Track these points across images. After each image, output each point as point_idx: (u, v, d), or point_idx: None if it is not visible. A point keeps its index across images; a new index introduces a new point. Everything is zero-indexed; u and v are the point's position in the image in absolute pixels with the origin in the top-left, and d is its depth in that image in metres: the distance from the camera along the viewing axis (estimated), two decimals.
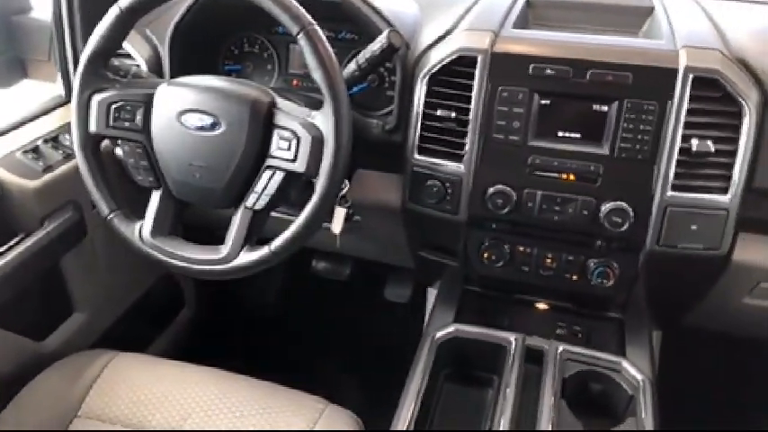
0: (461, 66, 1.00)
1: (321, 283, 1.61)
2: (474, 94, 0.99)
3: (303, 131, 0.85)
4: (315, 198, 0.86)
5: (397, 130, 1.08)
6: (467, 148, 1.01)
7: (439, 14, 1.13)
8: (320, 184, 0.85)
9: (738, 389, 1.60)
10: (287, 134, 0.86)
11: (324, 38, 0.85)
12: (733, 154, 0.93)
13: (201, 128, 0.89)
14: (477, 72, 0.98)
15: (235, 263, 0.91)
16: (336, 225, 1.05)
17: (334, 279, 1.60)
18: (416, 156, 1.05)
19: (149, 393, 1.00)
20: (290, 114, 0.87)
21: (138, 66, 1.13)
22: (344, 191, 1.03)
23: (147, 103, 0.93)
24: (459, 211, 1.04)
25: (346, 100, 0.85)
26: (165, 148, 0.93)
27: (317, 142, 0.85)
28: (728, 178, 0.94)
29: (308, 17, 0.85)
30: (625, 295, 1.09)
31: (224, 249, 0.91)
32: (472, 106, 0.99)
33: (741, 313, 1.13)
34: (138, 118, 0.94)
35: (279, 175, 0.88)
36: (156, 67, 1.17)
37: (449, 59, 1.00)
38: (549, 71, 0.96)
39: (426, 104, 1.02)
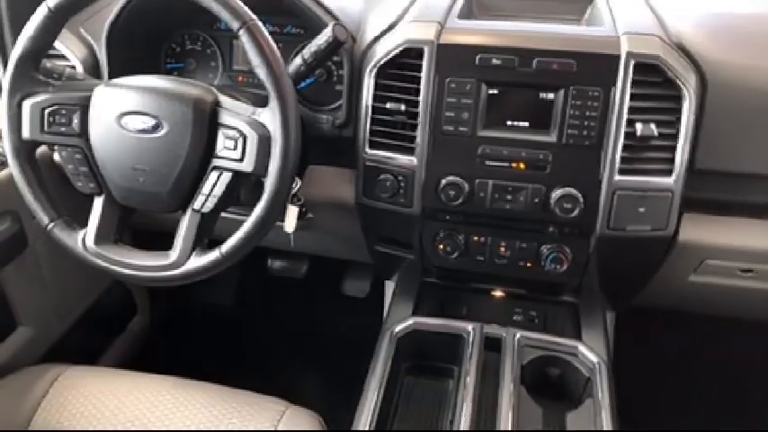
0: (408, 58, 0.99)
1: (278, 281, 1.60)
2: (422, 86, 0.98)
3: (249, 130, 0.83)
4: (265, 198, 0.84)
5: (348, 125, 1.07)
6: (418, 140, 1.01)
7: (384, 6, 1.12)
8: (270, 183, 0.83)
9: (690, 363, 1.66)
10: (232, 133, 0.84)
11: (266, 33, 0.83)
12: (675, 137, 0.95)
13: (143, 130, 0.86)
14: (424, 64, 0.98)
15: (184, 268, 0.88)
16: (289, 224, 1.04)
17: (292, 277, 1.58)
18: (368, 150, 1.04)
19: (102, 407, 0.97)
20: (234, 113, 0.85)
21: (72, 67, 1.09)
22: (296, 188, 1.01)
23: (84, 106, 0.89)
24: (412, 204, 1.04)
25: (293, 96, 0.84)
26: (105, 152, 0.89)
27: (265, 140, 0.83)
28: (672, 161, 0.96)
29: (249, 12, 0.83)
30: (578, 279, 1.11)
31: (173, 254, 0.89)
32: (421, 98, 0.99)
33: (688, 290, 1.17)
34: (75, 122, 0.90)
35: (226, 176, 0.85)
36: (92, 67, 1.13)
37: (395, 52, 0.99)
38: (495, 61, 0.97)
39: (375, 98, 1.02)
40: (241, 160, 0.84)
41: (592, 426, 0.89)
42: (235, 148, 0.84)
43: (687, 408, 1.57)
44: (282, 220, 1.04)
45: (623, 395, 1.00)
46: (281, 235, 1.07)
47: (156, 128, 0.86)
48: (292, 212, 1.03)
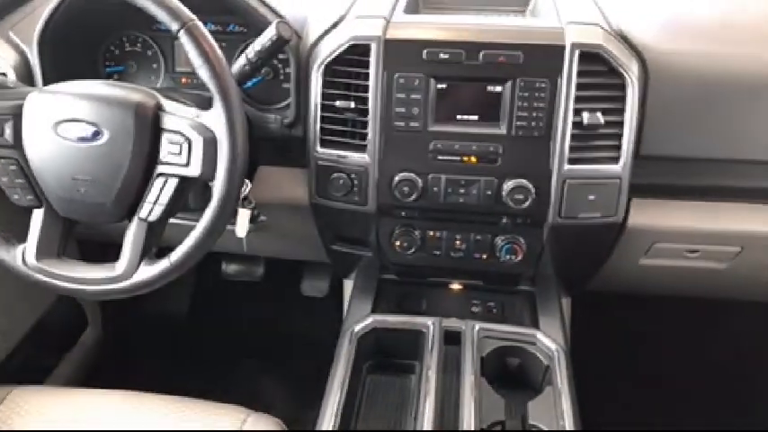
0: (355, 54, 0.98)
1: (234, 285, 1.56)
2: (371, 82, 0.98)
3: (194, 133, 0.80)
4: (213, 203, 0.82)
5: (297, 124, 1.05)
6: (369, 137, 1.00)
7: (329, 2, 1.11)
8: (218, 187, 0.81)
9: (644, 343, 1.71)
10: (177, 138, 0.81)
11: (207, 33, 0.80)
12: (621, 125, 0.97)
13: (82, 138, 0.83)
14: (371, 60, 0.97)
15: (133, 279, 0.85)
16: (241, 228, 1.01)
17: (248, 280, 1.55)
18: (319, 149, 1.02)
19: (53, 427, 0.93)
20: (178, 116, 0.82)
21: (3, 74, 1.03)
22: (246, 191, 0.99)
23: (17, 114, 0.85)
24: (367, 201, 1.03)
25: (237, 96, 0.81)
26: (42, 163, 0.85)
27: (210, 143, 0.80)
28: (619, 148, 0.98)
29: (188, 12, 0.80)
30: (533, 268, 1.12)
31: (120, 266, 0.85)
32: (370, 95, 0.98)
33: (639, 273, 1.20)
34: (8, 132, 0.85)
35: (172, 182, 0.83)
36: (25, 74, 1.07)
37: (342, 49, 0.98)
38: (442, 55, 0.96)
39: (324, 96, 1.00)
40: (187, 165, 0.81)
41: (553, 412, 0.90)
42: (180, 152, 0.81)
43: (644, 386, 1.62)
44: (234, 224, 1.02)
45: (582, 379, 1.02)
46: (234, 239, 1.05)
47: (95, 136, 0.82)
48: (244, 216, 1.01)
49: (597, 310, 1.39)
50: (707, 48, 1.00)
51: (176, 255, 0.84)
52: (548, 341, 1.01)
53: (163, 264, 0.84)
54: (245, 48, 0.95)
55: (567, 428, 0.87)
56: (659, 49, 0.99)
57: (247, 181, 0.98)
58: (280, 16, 0.99)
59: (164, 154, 0.82)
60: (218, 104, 0.80)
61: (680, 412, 1.55)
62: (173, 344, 1.71)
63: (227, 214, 0.83)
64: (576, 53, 0.94)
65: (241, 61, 0.94)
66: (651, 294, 1.33)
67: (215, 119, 0.81)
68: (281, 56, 1.09)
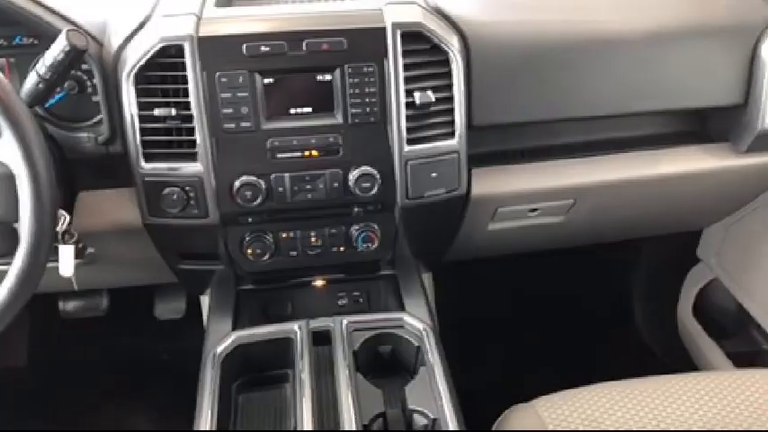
0: (168, 57, 0.90)
1: (78, 324, 1.41)
2: (190, 85, 0.90)
3: None
4: (23, 247, 0.71)
5: (114, 140, 0.95)
6: (199, 144, 0.93)
7: (130, 2, 1.00)
8: (24, 229, 0.70)
9: (504, 301, 1.81)
10: None
11: None
12: (451, 100, 0.99)
13: None
14: (187, 61, 0.89)
15: None
16: (66, 267, 0.89)
17: (93, 316, 1.40)
18: (144, 164, 0.93)
19: None
20: None
21: None
22: (65, 224, 0.87)
23: None
24: (208, 213, 0.96)
25: (30, 121, 0.71)
26: None
27: (6, 179, 0.69)
28: (452, 123, 1.00)
29: None
30: (391, 252, 1.12)
31: None
32: (192, 99, 0.91)
33: (489, 238, 1.25)
34: None
35: None
36: None
37: (151, 53, 0.89)
38: (264, 48, 0.91)
39: (140, 105, 0.91)
40: None
41: (430, 392, 0.91)
42: None
43: (510, 342, 1.72)
44: (57, 262, 0.90)
45: (454, 351, 1.05)
46: (61, 278, 0.93)
47: None
48: (66, 253, 0.89)
49: (455, 278, 1.44)
50: (521, 16, 1.05)
51: None
52: (415, 322, 1.01)
53: None
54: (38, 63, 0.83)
55: (444, 404, 0.88)
56: (476, 20, 1.02)
57: (64, 213, 0.86)
58: (71, 23, 0.87)
59: None
60: (7, 133, 0.69)
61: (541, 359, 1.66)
62: (17, 400, 1.50)
63: (40, 258, 0.72)
64: (398, 33, 0.94)
65: (32, 78, 0.82)
66: (502, 255, 1.40)
67: (8, 150, 0.70)
68: (84, 66, 0.97)
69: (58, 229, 0.84)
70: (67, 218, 0.87)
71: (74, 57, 0.81)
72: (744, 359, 1.44)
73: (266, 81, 0.93)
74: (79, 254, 0.91)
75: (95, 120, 0.99)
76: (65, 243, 0.88)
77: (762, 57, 1.09)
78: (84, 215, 0.95)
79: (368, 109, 0.96)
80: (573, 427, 0.89)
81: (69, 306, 1.36)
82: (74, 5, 0.93)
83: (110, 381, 1.54)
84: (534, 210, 1.19)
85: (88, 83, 1.00)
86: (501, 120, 1.08)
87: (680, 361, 1.60)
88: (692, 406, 0.91)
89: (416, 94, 0.96)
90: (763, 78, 1.09)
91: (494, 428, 0.97)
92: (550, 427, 0.90)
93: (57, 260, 0.90)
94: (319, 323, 1.01)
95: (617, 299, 1.82)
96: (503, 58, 1.03)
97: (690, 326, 1.61)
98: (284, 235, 1.04)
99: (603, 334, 1.74)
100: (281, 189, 0.97)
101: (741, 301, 1.46)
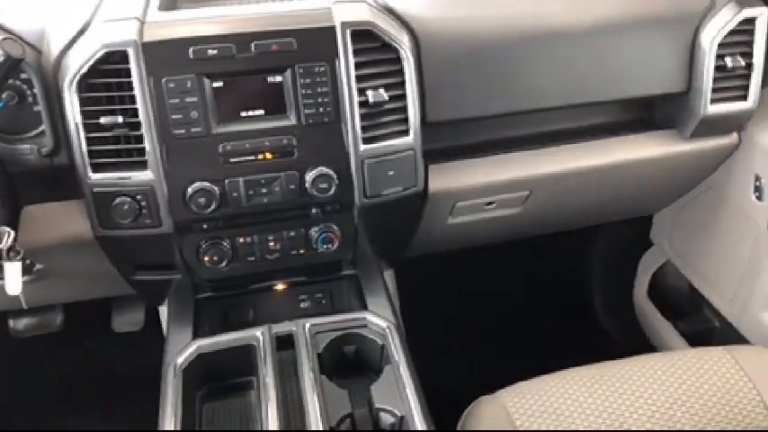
0: (111, 63, 0.87)
1: (30, 342, 1.35)
2: (136, 91, 0.88)
3: None
4: None
5: (59, 151, 0.92)
6: (148, 151, 0.90)
7: (70, 5, 0.97)
8: None
9: (465, 295, 1.83)
10: None
11: None
12: (404, 97, 0.99)
13: None
14: (132, 67, 0.87)
15: None
16: (12, 285, 0.86)
17: (47, 332, 1.35)
18: (92, 175, 0.90)
19: None
20: None
21: None
22: (9, 241, 0.83)
23: None
24: (161, 222, 0.94)
25: None
26: None
27: None
28: (407, 120, 1.00)
29: None
30: (352, 252, 1.12)
31: None
32: (139, 105, 0.88)
33: (448, 232, 1.26)
34: None
35: None
36: None
37: (94, 59, 0.86)
38: (211, 51, 0.90)
39: (84, 114, 0.88)
40: None
41: (396, 390, 0.91)
42: None
43: (471, 335, 1.74)
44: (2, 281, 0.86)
45: (419, 347, 1.05)
46: (8, 296, 0.89)
47: None
48: (12, 270, 0.85)
49: (417, 274, 1.44)
50: (467, 12, 1.05)
51: None
52: (378, 320, 1.01)
53: None
54: None
55: (411, 401, 0.88)
56: (425, 17, 1.02)
57: (8, 229, 0.82)
58: (6, 31, 0.84)
59: None
60: None
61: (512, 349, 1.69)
62: None
63: None
64: (348, 32, 0.94)
65: None
66: (461, 248, 1.41)
67: None
68: (23, 75, 0.93)
69: (2, 246, 0.81)
70: (12, 234, 0.83)
71: (10, 66, 0.78)
72: (698, 338, 1.49)
73: (215, 84, 0.91)
74: (27, 270, 0.88)
75: (38, 131, 0.95)
76: (10, 260, 0.84)
77: (702, 44, 1.13)
78: (30, 230, 0.92)
79: (321, 109, 0.95)
80: (537, 416, 0.91)
81: (20, 325, 1.31)
82: (8, 13, 0.89)
83: (65, 399, 1.49)
84: (491, 203, 1.20)
85: (28, 92, 0.96)
86: (454, 115, 1.08)
87: (638, 343, 1.64)
88: (650, 387, 0.93)
89: (369, 93, 0.95)
90: (704, 65, 1.13)
91: (460, 421, 0.97)
92: (515, 417, 0.91)
93: (2, 278, 0.87)
94: (282, 327, 0.99)
95: (575, 286, 1.86)
96: (451, 54, 1.04)
97: (646, 308, 1.65)
98: (241, 240, 1.03)
99: (563, 322, 1.78)
100: (235, 194, 0.95)
101: (693, 282, 1.50)
